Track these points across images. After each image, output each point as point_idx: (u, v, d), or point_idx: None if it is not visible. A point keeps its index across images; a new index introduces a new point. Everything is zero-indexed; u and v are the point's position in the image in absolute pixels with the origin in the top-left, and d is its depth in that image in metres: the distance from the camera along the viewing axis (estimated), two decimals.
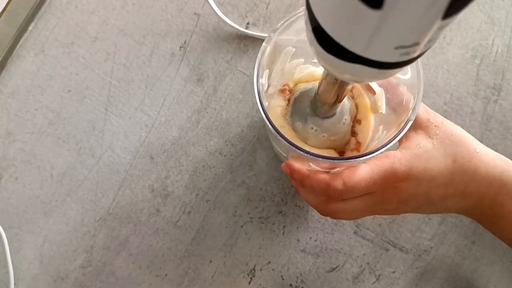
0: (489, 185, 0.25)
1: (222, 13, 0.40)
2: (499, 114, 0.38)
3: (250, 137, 0.38)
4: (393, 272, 0.37)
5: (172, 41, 0.40)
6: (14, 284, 0.37)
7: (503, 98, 0.38)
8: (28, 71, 0.40)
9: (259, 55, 0.23)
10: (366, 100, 0.30)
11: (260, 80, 0.24)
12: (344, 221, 0.37)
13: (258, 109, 0.38)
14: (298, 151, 0.22)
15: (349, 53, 0.14)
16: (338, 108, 0.28)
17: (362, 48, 0.14)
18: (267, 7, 0.40)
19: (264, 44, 0.23)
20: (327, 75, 0.22)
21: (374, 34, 0.13)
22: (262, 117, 0.39)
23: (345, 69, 0.16)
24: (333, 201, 0.27)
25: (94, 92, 0.39)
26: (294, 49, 0.27)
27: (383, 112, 0.28)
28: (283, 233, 0.37)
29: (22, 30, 0.40)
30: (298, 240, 0.37)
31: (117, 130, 0.39)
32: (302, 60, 0.29)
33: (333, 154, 0.29)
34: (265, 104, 0.23)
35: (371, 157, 0.22)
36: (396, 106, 0.26)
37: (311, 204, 0.28)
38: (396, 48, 0.13)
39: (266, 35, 0.38)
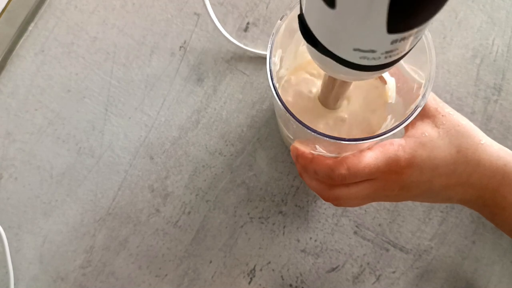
0: (492, 177, 0.25)
1: (222, 13, 0.40)
2: (500, 114, 0.38)
3: (250, 137, 0.38)
4: (393, 272, 0.37)
5: (172, 41, 0.40)
6: (14, 284, 0.37)
7: (503, 98, 0.38)
8: (28, 71, 0.40)
9: (273, 31, 0.23)
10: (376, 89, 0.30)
11: (273, 59, 0.23)
12: (344, 221, 0.37)
13: (258, 109, 0.38)
14: (306, 129, 0.22)
15: (319, 43, 0.16)
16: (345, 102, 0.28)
17: (327, 41, 0.16)
18: (267, 7, 0.40)
19: (279, 21, 0.23)
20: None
21: (333, 29, 0.15)
22: (262, 116, 0.39)
23: (320, 61, 0.18)
24: (336, 187, 0.27)
25: (94, 92, 0.39)
26: None
27: (393, 102, 0.28)
28: (283, 233, 0.37)
29: (22, 30, 0.40)
30: (298, 240, 0.37)
31: (117, 130, 0.39)
32: None
33: None
34: (276, 84, 0.23)
35: (377, 140, 0.22)
36: (406, 94, 0.26)
37: (314, 189, 0.28)
38: (355, 50, 0.15)
39: (257, 50, 0.38)
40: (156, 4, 0.40)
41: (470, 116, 0.38)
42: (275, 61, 0.25)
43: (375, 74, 0.18)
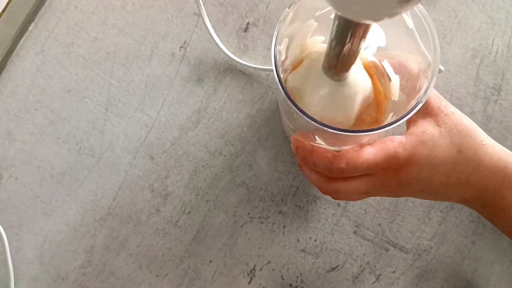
0: (491, 178, 0.25)
1: (222, 13, 0.40)
2: (499, 114, 0.38)
3: (250, 137, 0.38)
4: (393, 272, 0.37)
5: (172, 41, 0.40)
6: (14, 284, 0.37)
7: (503, 98, 0.38)
8: (28, 71, 0.40)
9: (281, 18, 0.23)
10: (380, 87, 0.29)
11: (279, 47, 0.23)
12: (344, 221, 0.37)
13: (258, 109, 0.38)
14: (307, 119, 0.22)
15: None
16: (352, 77, 0.27)
17: None
18: (267, 7, 0.40)
19: (286, 9, 0.23)
20: (334, 23, 0.20)
21: None
22: (262, 116, 0.39)
23: None
24: (335, 180, 0.27)
25: (94, 92, 0.39)
26: (316, 24, 0.26)
27: (396, 100, 0.28)
28: (283, 233, 0.37)
29: (22, 30, 0.40)
30: (298, 240, 0.37)
31: (117, 130, 0.39)
32: (323, 38, 0.28)
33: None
34: (280, 73, 0.23)
35: (377, 133, 0.22)
36: (409, 92, 0.26)
37: (313, 181, 0.28)
38: None
39: (253, 65, 0.38)
40: (156, 5, 0.40)
41: (470, 116, 0.38)
42: (280, 49, 0.24)
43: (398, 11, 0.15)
